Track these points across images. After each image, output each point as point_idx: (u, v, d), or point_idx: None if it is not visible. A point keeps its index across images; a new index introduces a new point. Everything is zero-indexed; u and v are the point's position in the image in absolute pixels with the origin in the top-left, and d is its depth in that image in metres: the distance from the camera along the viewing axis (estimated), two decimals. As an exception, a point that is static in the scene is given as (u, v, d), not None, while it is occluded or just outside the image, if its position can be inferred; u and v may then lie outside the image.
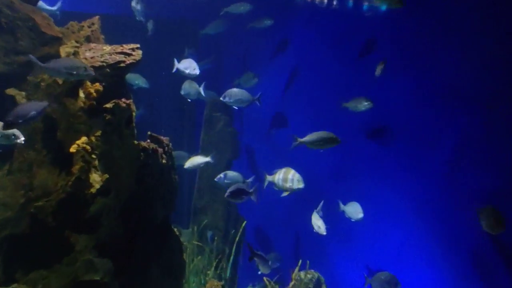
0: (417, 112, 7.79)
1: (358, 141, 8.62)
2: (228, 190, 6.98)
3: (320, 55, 9.18)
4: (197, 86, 8.85)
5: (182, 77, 8.61)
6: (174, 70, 8.41)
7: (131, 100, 5.82)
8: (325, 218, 7.90)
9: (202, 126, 10.21)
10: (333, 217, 8.20)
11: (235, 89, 8.61)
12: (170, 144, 6.43)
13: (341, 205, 8.29)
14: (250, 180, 8.65)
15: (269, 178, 7.62)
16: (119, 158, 5.74)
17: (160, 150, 6.22)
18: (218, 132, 10.16)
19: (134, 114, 5.82)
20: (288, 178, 7.29)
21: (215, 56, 10.74)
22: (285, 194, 7.36)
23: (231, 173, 8.66)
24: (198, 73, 8.39)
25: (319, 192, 8.53)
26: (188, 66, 8.35)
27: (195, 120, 11.30)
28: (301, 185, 7.24)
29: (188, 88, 8.85)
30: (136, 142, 5.90)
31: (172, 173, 6.42)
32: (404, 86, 7.93)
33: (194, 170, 9.53)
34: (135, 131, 5.86)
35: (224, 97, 8.56)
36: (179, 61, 8.47)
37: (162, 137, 6.37)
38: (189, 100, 9.04)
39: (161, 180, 6.23)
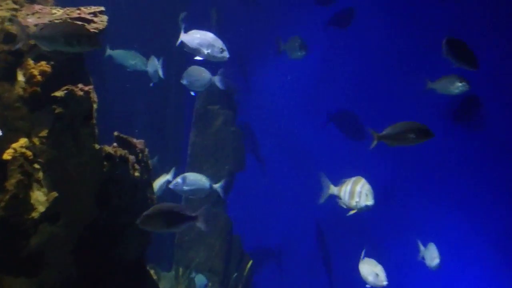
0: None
1: (418, 150, 8.79)
2: (145, 214, 5.94)
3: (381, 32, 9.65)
4: (209, 74, 8.72)
5: (165, 54, 8.60)
6: (179, 43, 7.83)
7: (92, 87, 5.82)
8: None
9: (193, 124, 10.28)
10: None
11: (193, 67, 8.57)
12: (146, 149, 6.43)
13: (421, 248, 8.45)
14: (219, 185, 8.77)
15: (333, 190, 7.66)
16: (74, 169, 5.73)
17: (132, 158, 6.22)
18: (215, 133, 10.23)
19: (95, 106, 5.83)
20: (355, 190, 7.34)
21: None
22: (350, 213, 7.45)
23: (193, 176, 8.68)
24: (227, 56, 7.80)
25: (362, 219, 8.67)
26: (209, 43, 7.67)
27: (182, 115, 11.39)
28: (369, 202, 7.27)
29: (195, 75, 8.71)
30: (97, 146, 5.88)
31: (149, 191, 6.42)
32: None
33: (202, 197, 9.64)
34: (97, 131, 5.85)
35: (183, 79, 8.57)
36: (186, 31, 7.90)
37: (134, 140, 6.38)
38: (192, 94, 9.06)
39: (133, 202, 6.23)
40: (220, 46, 7.72)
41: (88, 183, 5.84)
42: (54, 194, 5.55)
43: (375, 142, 7.21)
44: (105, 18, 6.01)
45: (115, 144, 6.21)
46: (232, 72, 9.85)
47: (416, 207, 9.20)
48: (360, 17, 10.16)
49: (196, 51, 7.76)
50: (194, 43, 7.72)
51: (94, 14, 6.00)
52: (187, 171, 9.24)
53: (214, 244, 9.84)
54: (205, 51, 7.71)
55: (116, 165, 6.04)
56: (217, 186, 8.80)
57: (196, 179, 8.65)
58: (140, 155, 6.36)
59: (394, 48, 9.71)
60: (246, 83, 10.69)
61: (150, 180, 6.48)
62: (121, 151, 6.13)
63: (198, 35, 7.75)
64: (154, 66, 9.15)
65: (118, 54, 9.75)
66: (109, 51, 9.85)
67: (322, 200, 7.77)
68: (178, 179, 8.53)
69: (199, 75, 8.72)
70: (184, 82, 8.63)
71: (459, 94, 8.36)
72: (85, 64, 6.19)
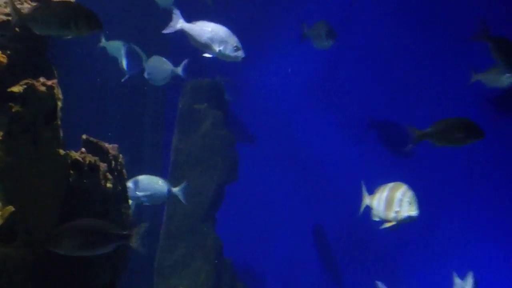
0: None
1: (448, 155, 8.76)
2: (55, 232, 5.69)
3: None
4: (170, 65, 8.94)
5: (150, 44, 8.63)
6: (175, 30, 7.58)
7: (56, 81, 5.80)
8: None
9: (176, 126, 10.38)
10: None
11: (155, 57, 8.77)
12: (120, 156, 6.44)
13: (457, 280, 8.42)
14: (179, 189, 8.89)
15: (367, 200, 7.66)
16: (34, 178, 5.69)
17: (103, 165, 6.20)
18: (202, 137, 10.30)
19: (60, 105, 5.81)
20: (394, 198, 7.21)
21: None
22: (386, 225, 7.36)
23: (147, 179, 8.75)
24: (243, 56, 7.61)
25: (378, 240, 8.73)
26: (222, 38, 7.49)
27: (163, 116, 11.47)
28: (414, 212, 7.18)
29: (155, 67, 8.87)
30: (62, 152, 5.85)
31: (123, 205, 6.41)
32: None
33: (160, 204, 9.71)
34: (61, 134, 5.84)
35: (145, 71, 8.77)
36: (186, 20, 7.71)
37: (107, 145, 6.37)
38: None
39: (105, 218, 6.14)
40: (235, 44, 7.52)
41: (51, 196, 5.79)
42: (10, 208, 5.51)
43: (416, 141, 7.20)
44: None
45: (83, 149, 6.17)
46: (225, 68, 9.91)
47: (445, 228, 9.41)
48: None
49: (206, 47, 7.56)
50: (204, 37, 7.52)
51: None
52: (170, 182, 9.29)
53: (201, 270, 9.90)
54: (217, 48, 7.51)
55: (85, 175, 6.02)
56: (176, 190, 8.90)
57: (151, 182, 8.72)
58: (113, 162, 6.33)
59: (421, 37, 9.77)
60: (239, 77, 10.72)
61: (125, 192, 6.47)
62: (90, 158, 6.10)
63: (209, 28, 7.53)
64: (163, 66, 9.29)
65: (115, 46, 9.80)
66: (104, 42, 9.87)
67: (360, 211, 7.74)
68: (129, 183, 8.33)
69: (159, 66, 8.79)
70: (145, 75, 8.75)
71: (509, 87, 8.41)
72: (48, 55, 6.18)
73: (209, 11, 10.05)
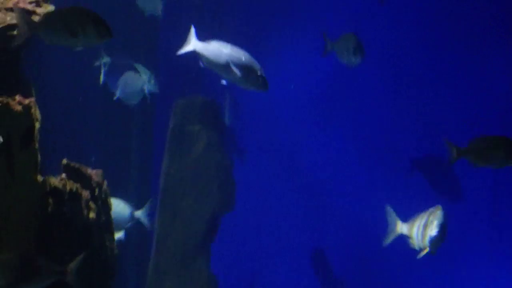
0: None
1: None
2: None
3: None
4: (142, 80, 9.21)
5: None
6: (187, 52, 7.58)
7: (34, 100, 5.83)
8: None
9: (166, 149, 10.36)
10: None
11: (128, 73, 9.08)
12: (105, 182, 6.47)
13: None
14: (142, 212, 8.79)
15: (401, 227, 7.76)
16: (7, 207, 5.70)
17: (86, 193, 6.22)
18: (195, 161, 10.30)
19: (37, 125, 5.84)
20: (433, 224, 7.33)
21: None
22: (422, 254, 7.46)
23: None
24: (267, 88, 7.53)
25: (392, 276, 8.73)
26: (243, 64, 7.35)
27: (152, 137, 11.49)
28: (432, 231, 7.32)
29: (127, 84, 9.02)
30: (40, 177, 5.88)
31: (107, 238, 6.41)
32: None
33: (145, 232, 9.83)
34: (39, 158, 5.85)
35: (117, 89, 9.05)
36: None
37: (89, 170, 6.39)
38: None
39: (86, 255, 6.02)
40: (259, 71, 7.42)
41: (27, 226, 5.79)
42: (-20, 242, 5.50)
43: (454, 158, 7.23)
44: (51, 8, 6.04)
45: (63, 175, 6.20)
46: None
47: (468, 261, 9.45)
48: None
49: (224, 72, 7.50)
50: (221, 59, 7.42)
51: (37, 3, 6.03)
52: (159, 210, 9.27)
53: (194, 310, 9.87)
54: (238, 74, 7.41)
55: (65, 203, 6.02)
56: (139, 213, 8.84)
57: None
58: (97, 190, 6.36)
59: (434, 50, 9.84)
60: (235, 94, 10.75)
61: (110, 223, 6.48)
62: (71, 185, 6.12)
63: (228, 50, 7.45)
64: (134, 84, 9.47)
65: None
66: (106, 59, 9.97)
67: (387, 241, 7.73)
68: None
69: (131, 83, 8.88)
70: (118, 94, 8.88)
71: None
72: (23, 68, 6.23)
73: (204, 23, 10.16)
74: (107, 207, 6.46)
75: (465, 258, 9.82)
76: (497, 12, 9.85)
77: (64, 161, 6.33)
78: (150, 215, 9.16)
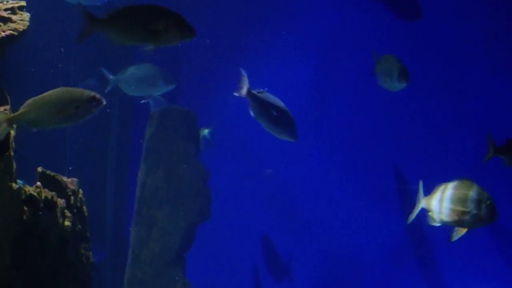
0: None
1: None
2: None
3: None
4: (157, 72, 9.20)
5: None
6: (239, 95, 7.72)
7: (8, 107, 5.81)
8: None
9: (142, 160, 10.36)
10: None
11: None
12: (81, 191, 6.45)
13: None
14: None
15: (424, 201, 7.45)
16: (-18, 217, 5.60)
17: (61, 202, 6.16)
18: (171, 171, 10.30)
19: (13, 134, 5.78)
20: (467, 197, 6.99)
21: None
22: (457, 236, 7.13)
23: None
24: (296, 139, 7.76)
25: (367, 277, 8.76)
26: (287, 118, 7.71)
27: (128, 147, 11.48)
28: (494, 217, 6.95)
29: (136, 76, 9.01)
30: (15, 186, 5.81)
31: (84, 248, 6.39)
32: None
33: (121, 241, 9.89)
34: (14, 166, 5.80)
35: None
36: None
37: (65, 179, 6.37)
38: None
39: (62, 262, 6.14)
40: (294, 128, 7.76)
41: (2, 235, 5.70)
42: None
43: (489, 155, 7.38)
44: (26, 16, 5.99)
45: (38, 183, 6.13)
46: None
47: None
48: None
49: (268, 125, 7.75)
50: (273, 114, 7.72)
51: (13, 10, 5.97)
52: (135, 220, 9.26)
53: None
54: (282, 131, 7.76)
55: (40, 212, 5.95)
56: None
57: None
58: (72, 198, 6.32)
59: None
60: (208, 101, 10.76)
61: (86, 231, 6.44)
62: (46, 193, 6.05)
63: (277, 104, 7.77)
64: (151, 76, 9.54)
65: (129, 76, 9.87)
66: (113, 77, 9.76)
67: (411, 218, 7.61)
68: None
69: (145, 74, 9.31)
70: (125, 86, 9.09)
71: None
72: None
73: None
74: (82, 216, 6.43)
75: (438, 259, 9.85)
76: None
77: (39, 169, 6.33)
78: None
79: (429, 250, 9.83)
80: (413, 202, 9.29)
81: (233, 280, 10.98)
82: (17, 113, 5.69)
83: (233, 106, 10.18)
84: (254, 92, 7.61)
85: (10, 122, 5.61)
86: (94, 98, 5.88)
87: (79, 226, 6.35)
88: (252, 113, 7.60)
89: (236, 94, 7.68)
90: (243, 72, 7.67)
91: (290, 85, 10.62)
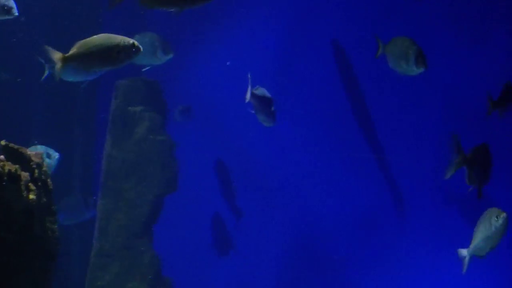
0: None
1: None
2: None
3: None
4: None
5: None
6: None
7: None
8: None
9: (108, 131, 10.29)
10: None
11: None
12: (45, 164, 6.34)
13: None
14: None
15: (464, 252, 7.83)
16: None
17: (25, 175, 6.09)
18: (137, 144, 10.26)
19: None
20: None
21: None
22: (450, 173, 7.45)
23: None
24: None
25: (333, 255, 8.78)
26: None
27: (93, 119, 11.45)
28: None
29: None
30: (-22, 159, 5.70)
31: (49, 221, 6.31)
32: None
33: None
34: None
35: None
36: None
37: (29, 151, 6.28)
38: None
39: (28, 235, 6.09)
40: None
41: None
42: None
43: (491, 110, 8.03)
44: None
45: (2, 157, 6.05)
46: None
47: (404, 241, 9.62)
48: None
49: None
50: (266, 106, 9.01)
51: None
52: (102, 193, 9.22)
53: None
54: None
55: (4, 185, 5.89)
56: None
57: None
58: (37, 171, 6.22)
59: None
60: (175, 72, 10.71)
61: (51, 204, 6.35)
62: (10, 166, 5.97)
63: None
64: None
65: None
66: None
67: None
68: None
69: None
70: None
71: None
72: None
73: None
74: (47, 189, 6.31)
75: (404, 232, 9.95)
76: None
77: (3, 142, 6.22)
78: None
79: (399, 216, 9.88)
80: (383, 170, 9.42)
81: (201, 251, 10.99)
82: (70, 53, 6.54)
83: (202, 79, 10.13)
84: (256, 93, 8.83)
85: (64, 61, 6.53)
86: (133, 45, 6.68)
87: (44, 199, 6.24)
88: (254, 111, 8.86)
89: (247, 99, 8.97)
90: (249, 76, 8.82)
91: (256, 56, 10.59)
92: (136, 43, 6.70)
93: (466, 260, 7.87)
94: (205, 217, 11.01)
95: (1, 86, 10.19)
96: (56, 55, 6.58)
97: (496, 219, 7.36)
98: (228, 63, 10.49)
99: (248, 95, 8.83)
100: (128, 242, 9.90)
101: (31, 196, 6.08)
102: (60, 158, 9.37)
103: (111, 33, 9.39)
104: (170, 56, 10.00)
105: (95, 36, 6.77)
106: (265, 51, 10.60)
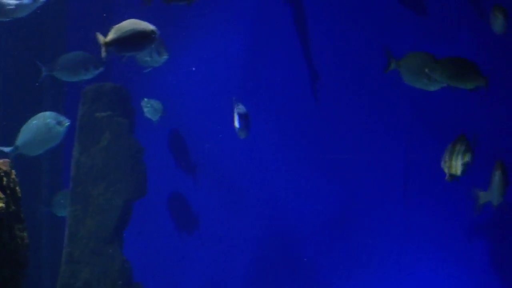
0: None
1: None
2: None
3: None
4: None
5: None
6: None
7: None
8: None
9: (76, 137, 10.26)
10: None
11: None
12: (13, 171, 6.30)
13: None
14: None
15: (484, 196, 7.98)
16: None
17: None
18: (105, 149, 10.23)
19: None
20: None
21: None
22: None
23: None
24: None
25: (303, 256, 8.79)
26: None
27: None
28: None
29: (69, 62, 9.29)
30: None
31: (18, 229, 6.25)
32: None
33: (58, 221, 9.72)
34: None
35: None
36: None
37: None
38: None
39: None
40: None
41: None
42: None
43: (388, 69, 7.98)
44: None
45: (-32, 164, 5.96)
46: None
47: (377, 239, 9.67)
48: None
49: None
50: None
51: None
52: (71, 199, 9.17)
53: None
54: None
55: (-29, 194, 5.80)
56: None
57: None
58: (5, 179, 6.18)
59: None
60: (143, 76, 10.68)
61: (20, 212, 6.30)
62: (-24, 174, 5.88)
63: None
64: None
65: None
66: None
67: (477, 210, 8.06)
68: None
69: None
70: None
71: None
72: None
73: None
74: (16, 197, 6.25)
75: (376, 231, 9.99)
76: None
77: None
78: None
79: (368, 217, 9.91)
80: (352, 171, 9.41)
81: (172, 255, 10.95)
82: (110, 38, 7.30)
83: (169, 81, 10.09)
84: (241, 112, 9.17)
85: (107, 45, 7.31)
86: (154, 31, 7.48)
87: (13, 207, 6.18)
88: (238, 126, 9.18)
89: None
90: (233, 100, 9.32)
91: (222, 57, 10.57)
92: (155, 30, 7.41)
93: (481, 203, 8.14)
94: (175, 221, 10.99)
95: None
96: (101, 39, 7.37)
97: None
98: (193, 69, 10.49)
99: (236, 122, 9.22)
100: (98, 248, 9.87)
101: (0, 204, 6.02)
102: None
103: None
104: (165, 57, 10.22)
105: (123, 22, 7.47)
106: (231, 53, 10.59)
